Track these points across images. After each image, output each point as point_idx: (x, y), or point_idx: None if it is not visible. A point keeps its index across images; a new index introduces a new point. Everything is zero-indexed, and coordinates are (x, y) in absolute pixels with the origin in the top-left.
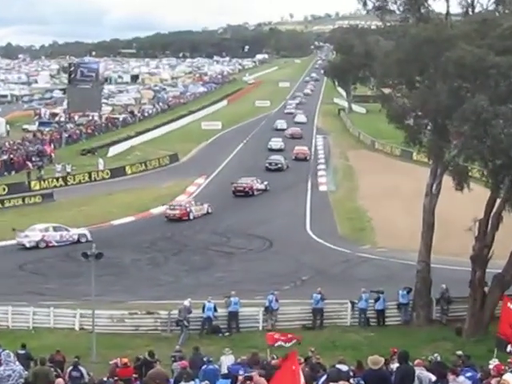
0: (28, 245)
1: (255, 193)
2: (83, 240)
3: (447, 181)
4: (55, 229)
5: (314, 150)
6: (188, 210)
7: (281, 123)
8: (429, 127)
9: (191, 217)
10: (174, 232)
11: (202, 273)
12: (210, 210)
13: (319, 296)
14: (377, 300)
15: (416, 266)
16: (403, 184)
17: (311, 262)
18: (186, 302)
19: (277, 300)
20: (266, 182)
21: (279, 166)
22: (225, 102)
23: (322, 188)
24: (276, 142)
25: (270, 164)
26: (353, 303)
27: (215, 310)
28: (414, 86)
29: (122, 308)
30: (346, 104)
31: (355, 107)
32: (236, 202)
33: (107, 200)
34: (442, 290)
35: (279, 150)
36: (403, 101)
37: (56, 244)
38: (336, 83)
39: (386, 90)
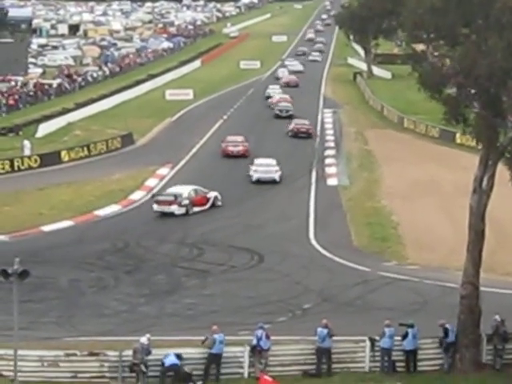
0: None
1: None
2: None
3: (503, 173)
4: None
5: (319, 128)
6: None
7: (274, 90)
8: (477, 99)
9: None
10: (129, 242)
11: (165, 298)
12: (219, 203)
13: (326, 331)
14: (405, 337)
15: (460, 291)
16: (442, 177)
17: (316, 285)
18: (144, 340)
19: (268, 337)
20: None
21: (290, 112)
22: (198, 63)
23: (331, 182)
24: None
25: (281, 111)
26: (373, 341)
27: (179, 357)
28: (458, 42)
29: (55, 347)
30: (364, 66)
31: (377, 70)
32: None
33: (36, 197)
34: (496, 323)
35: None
36: (442, 62)
37: None
38: (351, 37)
39: (420, 47)
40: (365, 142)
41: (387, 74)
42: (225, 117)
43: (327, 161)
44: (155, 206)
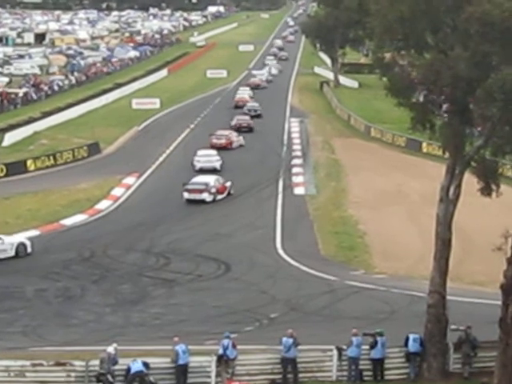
0: None
1: (234, 145)
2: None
3: (469, 182)
4: None
5: (286, 138)
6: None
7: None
8: (444, 106)
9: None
10: (95, 251)
11: (132, 308)
12: (232, 191)
13: (291, 340)
14: (373, 346)
15: (426, 299)
16: (409, 186)
17: (283, 294)
18: (111, 349)
19: (234, 346)
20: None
21: (258, 112)
22: (165, 72)
23: (298, 191)
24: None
25: (249, 110)
26: (340, 350)
27: (146, 366)
28: (425, 51)
29: (21, 357)
30: (331, 75)
31: (344, 80)
32: (180, 209)
33: (1, 207)
34: (463, 332)
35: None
36: (409, 70)
37: None
38: (318, 46)
39: (388, 56)
40: (332, 151)
41: (354, 84)
42: (192, 126)
43: (294, 170)
44: (186, 195)
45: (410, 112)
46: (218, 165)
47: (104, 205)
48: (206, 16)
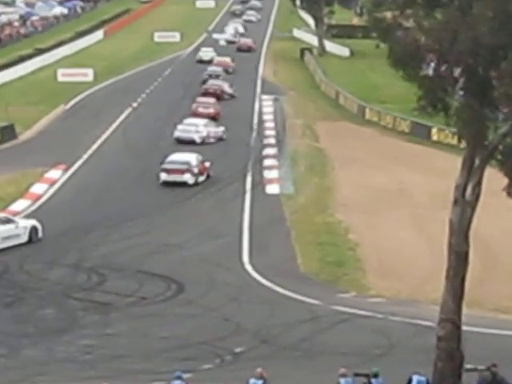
0: None
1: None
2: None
3: (491, 179)
4: None
5: (256, 121)
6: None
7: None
8: (461, 82)
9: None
10: (9, 266)
11: (56, 339)
12: (211, 172)
13: (260, 382)
14: None
15: (436, 330)
16: (414, 183)
17: (251, 322)
18: None
19: None
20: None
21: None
22: (100, 35)
23: (272, 189)
24: (206, 53)
25: (210, 76)
26: None
27: None
28: (437, 8)
29: None
30: (314, 40)
31: (331, 46)
32: (119, 212)
33: None
34: (486, 372)
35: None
36: (416, 35)
37: None
38: (298, 3)
39: (388, 16)
40: (315, 139)
41: (344, 51)
42: (134, 104)
43: (266, 162)
44: (164, 176)
45: (416, 88)
46: (197, 137)
47: (20, 205)
48: None
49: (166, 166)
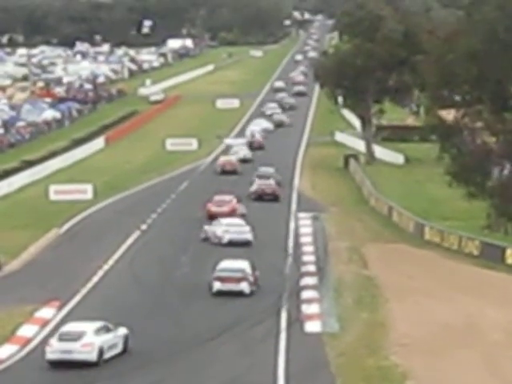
0: None
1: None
2: None
3: None
4: None
5: (292, 244)
6: None
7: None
8: None
9: None
10: None
11: None
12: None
13: None
14: None
15: None
16: (486, 317)
17: None
18: None
19: None
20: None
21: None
22: (101, 143)
23: (312, 327)
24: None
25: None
26: None
27: None
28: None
29: None
30: (361, 145)
31: (382, 152)
32: (122, 359)
33: None
34: None
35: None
36: (485, 137)
37: None
38: (340, 100)
39: (449, 116)
40: (363, 265)
41: (397, 158)
42: (143, 226)
43: (305, 294)
44: (217, 285)
45: (486, 204)
46: (249, 236)
47: (5, 352)
48: (164, 54)
49: (219, 273)
